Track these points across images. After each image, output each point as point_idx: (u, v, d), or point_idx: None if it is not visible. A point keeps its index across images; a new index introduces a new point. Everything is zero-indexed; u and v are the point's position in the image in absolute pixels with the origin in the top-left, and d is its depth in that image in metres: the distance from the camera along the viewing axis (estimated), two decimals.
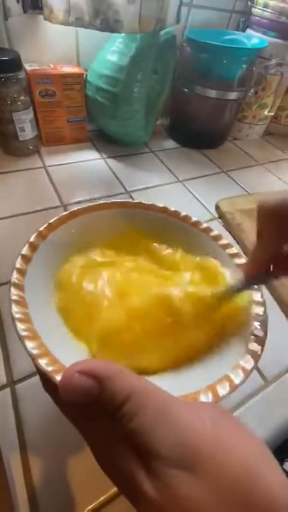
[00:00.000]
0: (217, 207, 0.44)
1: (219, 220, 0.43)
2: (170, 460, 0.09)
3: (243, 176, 0.53)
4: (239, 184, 0.51)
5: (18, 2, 0.37)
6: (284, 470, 0.19)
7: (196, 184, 0.49)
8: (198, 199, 0.46)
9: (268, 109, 0.57)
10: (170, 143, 0.57)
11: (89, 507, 0.19)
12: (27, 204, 0.39)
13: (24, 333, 0.14)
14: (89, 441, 0.11)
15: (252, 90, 0.52)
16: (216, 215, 0.44)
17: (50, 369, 0.13)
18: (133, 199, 0.39)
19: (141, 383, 0.11)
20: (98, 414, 0.10)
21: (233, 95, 0.49)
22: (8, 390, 0.23)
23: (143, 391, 0.10)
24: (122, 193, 0.44)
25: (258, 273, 0.16)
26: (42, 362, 0.14)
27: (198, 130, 0.55)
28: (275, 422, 0.24)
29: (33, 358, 0.14)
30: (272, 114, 0.58)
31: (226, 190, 0.49)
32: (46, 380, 0.14)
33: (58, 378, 0.13)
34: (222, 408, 0.12)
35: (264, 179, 0.54)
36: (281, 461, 0.21)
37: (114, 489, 0.20)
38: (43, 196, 0.41)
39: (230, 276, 0.19)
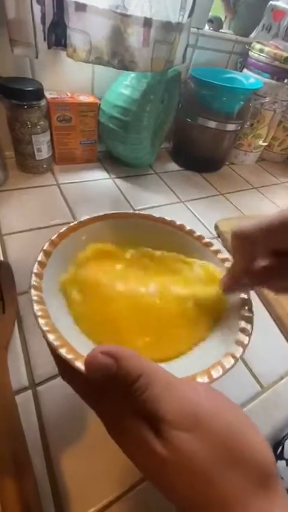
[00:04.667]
0: (216, 227, 0.48)
1: (218, 238, 0.47)
2: (174, 423, 0.12)
3: (239, 199, 0.57)
4: (235, 206, 0.55)
5: (44, 40, 0.42)
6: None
7: (196, 205, 0.53)
8: (198, 219, 0.50)
9: (262, 139, 0.63)
10: (173, 166, 0.61)
11: (109, 498, 0.21)
12: (42, 219, 0.42)
13: (45, 328, 0.16)
14: (103, 414, 0.14)
15: (248, 123, 0.58)
16: (215, 234, 0.48)
17: (69, 356, 0.15)
18: None
19: (151, 364, 0.13)
20: (114, 389, 0.13)
21: (231, 127, 0.55)
22: (30, 392, 0.25)
23: (152, 370, 0.13)
24: (138, 211, 0.48)
25: (234, 284, 0.20)
26: (63, 351, 0.15)
27: (199, 155, 0.60)
28: (271, 426, 0.27)
29: (55, 348, 0.16)
30: (266, 143, 0.63)
31: (223, 211, 0.53)
32: (65, 367, 0.15)
33: (77, 363, 0.15)
34: (213, 387, 0.15)
35: (258, 202, 0.59)
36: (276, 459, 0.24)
37: (129, 483, 0.22)
38: (56, 212, 0.44)
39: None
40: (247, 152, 0.66)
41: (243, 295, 0.21)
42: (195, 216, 0.50)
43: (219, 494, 0.11)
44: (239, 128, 0.56)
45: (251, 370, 0.31)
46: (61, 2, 0.39)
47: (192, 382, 0.15)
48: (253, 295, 0.38)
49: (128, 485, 0.22)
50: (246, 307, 0.21)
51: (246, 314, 0.20)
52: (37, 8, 0.36)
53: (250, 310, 0.21)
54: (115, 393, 0.13)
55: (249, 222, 0.17)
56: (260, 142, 0.62)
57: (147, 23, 0.40)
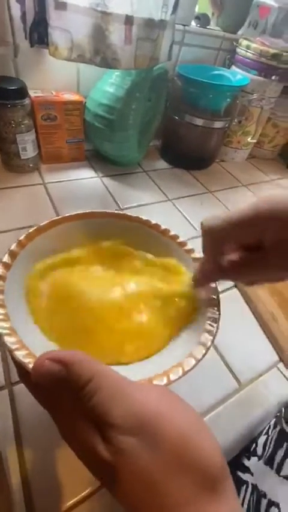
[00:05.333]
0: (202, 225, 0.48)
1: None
2: (121, 428, 0.12)
3: (227, 197, 0.57)
4: (223, 204, 0.55)
5: (26, 38, 0.42)
6: (246, 466, 0.23)
7: (184, 203, 0.53)
8: (185, 217, 0.50)
9: (251, 136, 0.62)
10: (162, 164, 0.61)
11: (81, 494, 0.21)
12: (27, 219, 0.42)
13: (4, 331, 0.17)
14: (55, 419, 0.13)
15: (236, 120, 0.58)
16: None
17: (26, 360, 0.15)
18: None
19: (102, 367, 0.13)
20: (63, 394, 0.13)
21: (218, 124, 0.54)
22: (6, 391, 0.25)
23: (103, 374, 0.13)
24: (116, 210, 0.47)
25: (205, 279, 0.21)
26: (20, 354, 0.16)
27: (187, 153, 0.59)
28: (247, 422, 0.27)
29: (11, 351, 0.16)
30: (255, 141, 0.63)
31: (211, 209, 0.53)
32: (21, 369, 0.16)
33: (31, 367, 0.15)
34: (168, 389, 0.14)
35: (246, 199, 0.58)
36: (248, 457, 0.24)
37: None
38: (42, 212, 0.44)
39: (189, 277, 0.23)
40: (237, 149, 0.66)
41: (213, 296, 0.21)
42: (183, 214, 0.50)
43: (161, 500, 0.11)
44: (226, 125, 0.56)
45: (229, 367, 0.31)
46: (43, 1, 0.39)
47: (146, 385, 0.15)
48: (235, 292, 0.38)
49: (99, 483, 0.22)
50: (215, 308, 0.21)
51: (213, 315, 0.20)
52: (16, 7, 0.36)
53: (217, 310, 0.21)
54: (66, 398, 0.13)
55: (218, 217, 0.18)
56: (249, 140, 0.62)
57: (129, 20, 0.40)
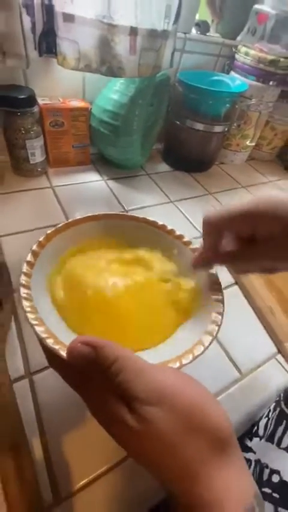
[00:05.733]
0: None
1: None
2: (144, 400, 0.14)
3: (227, 198, 0.60)
4: (223, 206, 0.57)
5: (35, 48, 0.44)
6: (248, 447, 0.25)
7: (186, 204, 0.55)
8: (187, 218, 0.52)
9: (250, 139, 0.65)
10: (164, 167, 0.63)
11: (97, 472, 0.23)
12: (36, 221, 0.44)
13: (34, 322, 0.19)
14: (85, 396, 0.16)
15: (235, 124, 0.60)
16: None
17: (55, 346, 0.17)
18: None
19: (125, 351, 0.15)
20: (93, 373, 0.15)
21: (218, 128, 0.57)
22: (26, 380, 0.28)
23: (125, 356, 0.15)
24: (120, 212, 0.50)
25: (202, 262, 0.23)
26: (50, 341, 0.18)
27: (188, 156, 0.62)
28: (248, 408, 0.29)
29: (43, 339, 0.18)
30: (253, 144, 0.65)
31: None
32: (52, 356, 0.17)
33: (62, 352, 0.17)
34: (181, 371, 0.17)
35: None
36: (250, 439, 0.26)
37: (115, 460, 0.24)
38: (50, 214, 0.46)
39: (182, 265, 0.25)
40: (236, 152, 0.68)
41: (217, 296, 0.23)
42: (184, 215, 0.53)
43: (180, 460, 0.14)
44: (226, 129, 0.58)
45: (231, 359, 0.33)
46: (51, 12, 0.41)
47: (163, 367, 0.17)
48: (236, 289, 0.41)
49: (116, 460, 0.24)
50: (220, 303, 0.23)
51: (218, 308, 0.22)
52: (27, 19, 0.38)
53: (222, 303, 0.23)
54: (95, 377, 0.15)
55: (217, 209, 0.20)
56: (247, 143, 0.64)
57: (133, 31, 0.42)
